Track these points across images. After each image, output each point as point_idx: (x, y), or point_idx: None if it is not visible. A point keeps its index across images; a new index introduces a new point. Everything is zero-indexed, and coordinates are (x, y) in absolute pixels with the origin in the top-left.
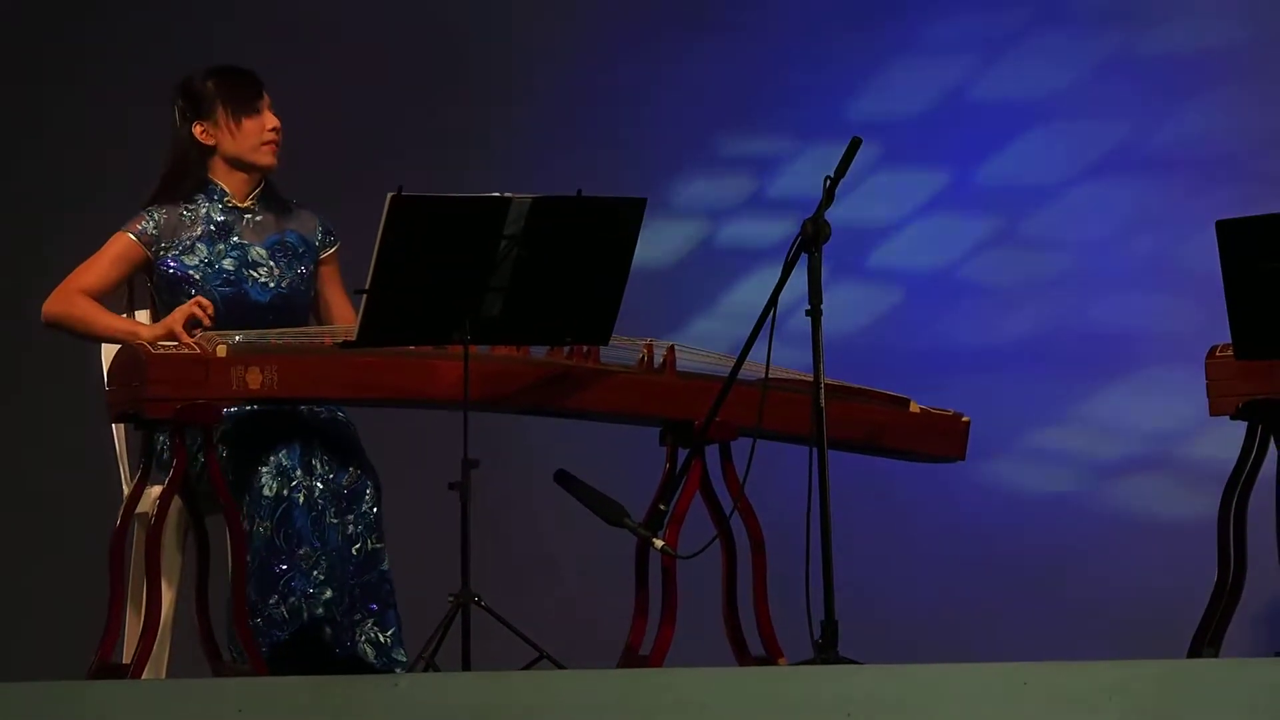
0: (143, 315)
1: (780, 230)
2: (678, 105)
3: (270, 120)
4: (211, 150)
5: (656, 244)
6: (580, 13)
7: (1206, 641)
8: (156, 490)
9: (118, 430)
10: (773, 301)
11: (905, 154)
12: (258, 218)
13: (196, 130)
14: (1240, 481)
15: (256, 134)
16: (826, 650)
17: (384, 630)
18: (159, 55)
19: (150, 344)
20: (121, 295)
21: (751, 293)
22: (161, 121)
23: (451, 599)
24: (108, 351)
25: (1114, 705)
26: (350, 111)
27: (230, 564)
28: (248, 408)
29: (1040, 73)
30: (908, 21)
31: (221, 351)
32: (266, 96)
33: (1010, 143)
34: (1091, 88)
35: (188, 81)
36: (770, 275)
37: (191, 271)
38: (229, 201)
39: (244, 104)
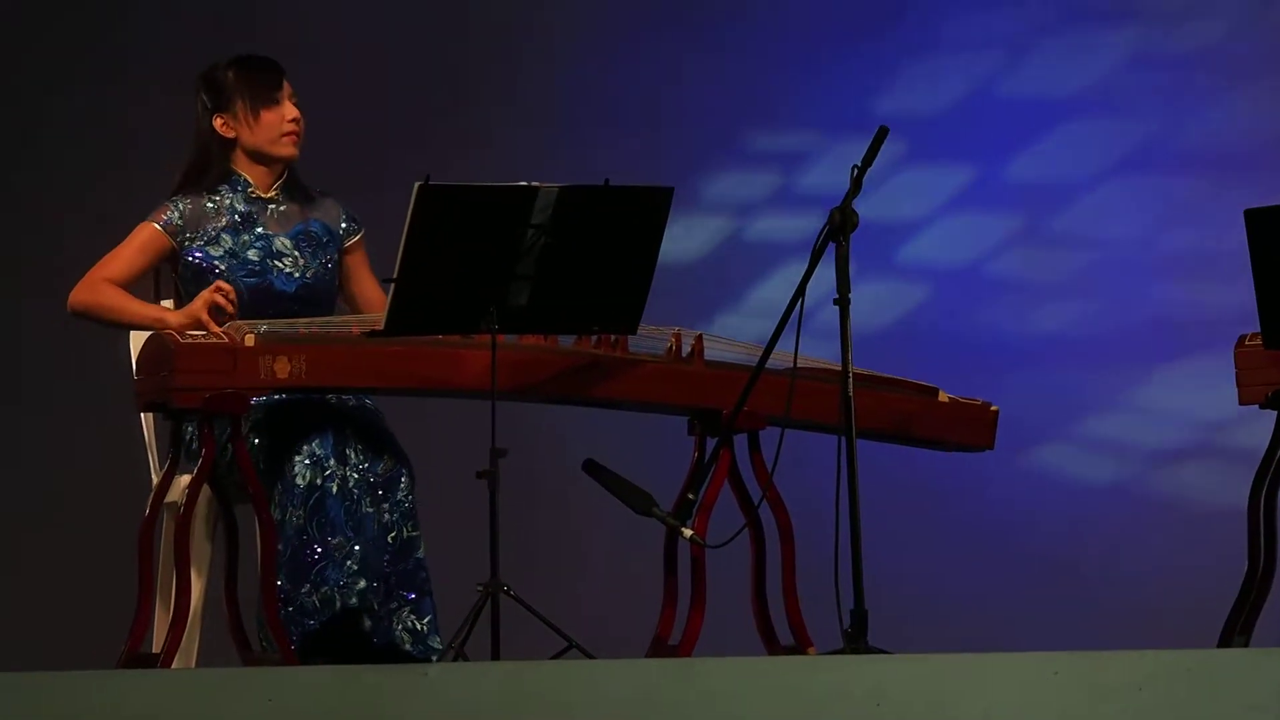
0: (167, 305)
1: (807, 226)
2: (705, 101)
3: (290, 111)
4: (233, 142)
5: (684, 239)
6: (608, 6)
7: (1237, 631)
8: (185, 480)
9: (146, 420)
10: (800, 290)
11: (931, 150)
12: (281, 207)
13: (217, 123)
14: (1270, 471)
15: (275, 126)
16: (856, 640)
17: (420, 618)
18: (178, 44)
19: (179, 333)
20: (148, 284)
21: (778, 288)
22: (183, 112)
23: (480, 588)
24: (136, 341)
25: (1144, 695)
26: (376, 102)
27: (259, 553)
28: (280, 396)
29: (1067, 69)
30: (935, 17)
31: (250, 341)
32: (287, 86)
33: (1037, 139)
34: (1118, 84)
35: (209, 72)
36: (797, 271)
37: (216, 262)
38: (252, 192)
39: (262, 96)
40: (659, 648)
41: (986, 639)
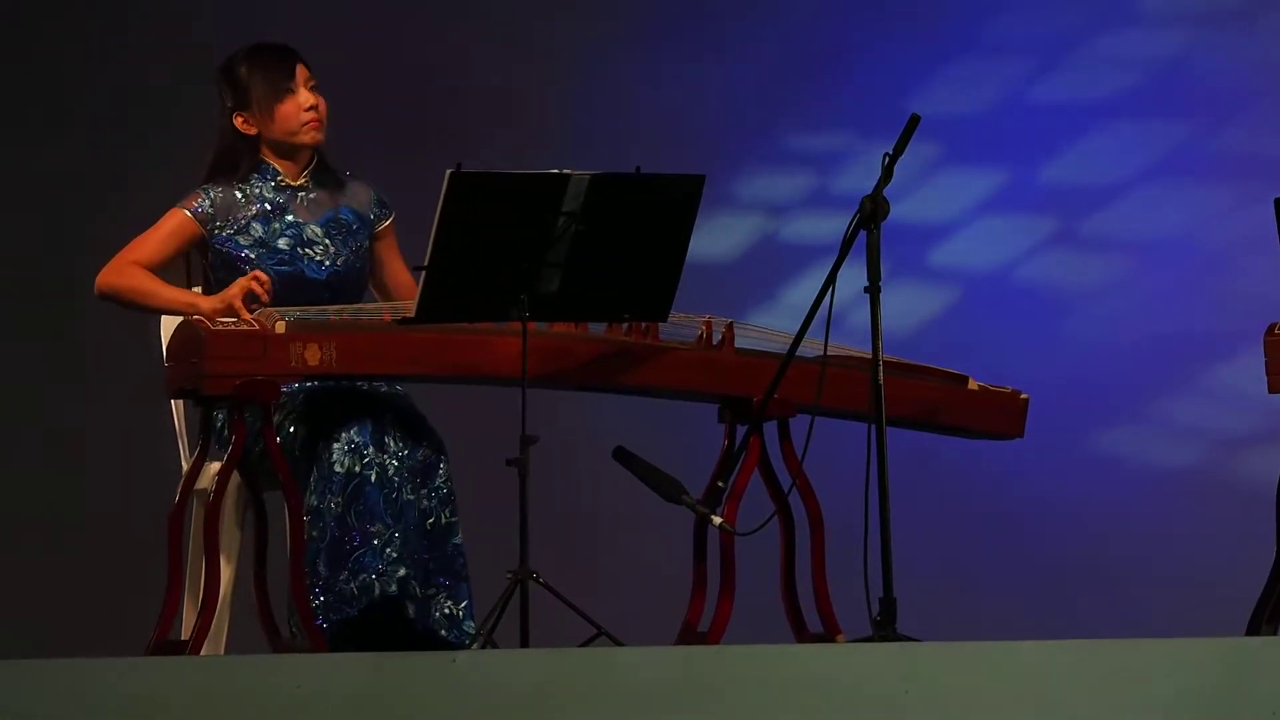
0: (196, 291)
1: (843, 227)
2: (740, 100)
3: (306, 99)
4: (257, 138)
5: (719, 239)
6: (644, 4)
7: (1266, 619)
8: (215, 467)
9: (176, 407)
10: (831, 278)
11: (967, 152)
12: (311, 195)
13: (238, 121)
14: None
15: (293, 117)
16: (885, 627)
17: (457, 604)
18: (201, 29)
19: (209, 320)
20: (180, 270)
21: (812, 289)
22: (209, 100)
23: (510, 576)
24: (166, 327)
25: (1171, 682)
26: (411, 89)
27: (289, 541)
28: (313, 384)
29: (1102, 73)
30: (972, 20)
31: (280, 328)
32: (302, 71)
33: (1073, 143)
34: (1154, 89)
35: (226, 68)
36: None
37: (247, 251)
38: (282, 181)
39: (275, 90)
40: (688, 635)
41: (1016, 627)
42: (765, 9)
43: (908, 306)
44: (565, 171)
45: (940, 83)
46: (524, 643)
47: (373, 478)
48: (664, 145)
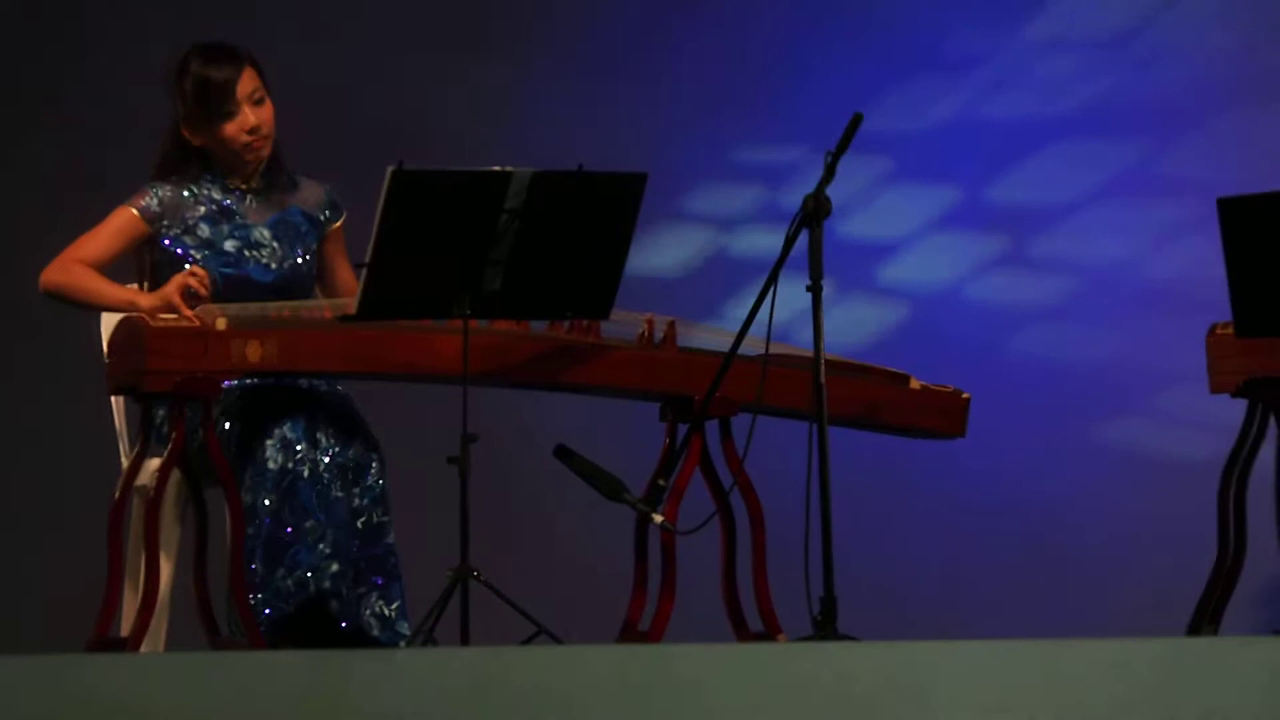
0: (131, 288)
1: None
2: (691, 112)
3: (248, 120)
4: (203, 146)
5: (667, 252)
6: (601, 12)
7: (1206, 619)
8: (155, 463)
9: (117, 403)
10: (773, 277)
11: (916, 169)
12: (261, 196)
13: (184, 131)
14: (1240, 460)
15: (235, 138)
16: (825, 627)
17: (389, 604)
18: (163, 29)
19: (150, 316)
20: (129, 267)
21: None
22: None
23: (450, 574)
24: (107, 324)
25: (1113, 682)
26: (357, 85)
27: (229, 538)
28: (252, 381)
29: (1051, 92)
30: (927, 35)
31: (221, 324)
32: (246, 83)
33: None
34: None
35: (177, 77)
36: (780, 288)
37: (193, 252)
38: (231, 183)
39: (216, 111)
40: (629, 633)
41: (957, 627)
42: (718, 22)
43: (858, 319)
44: (507, 169)
45: (897, 98)
46: (464, 640)
47: (305, 474)
48: (612, 159)
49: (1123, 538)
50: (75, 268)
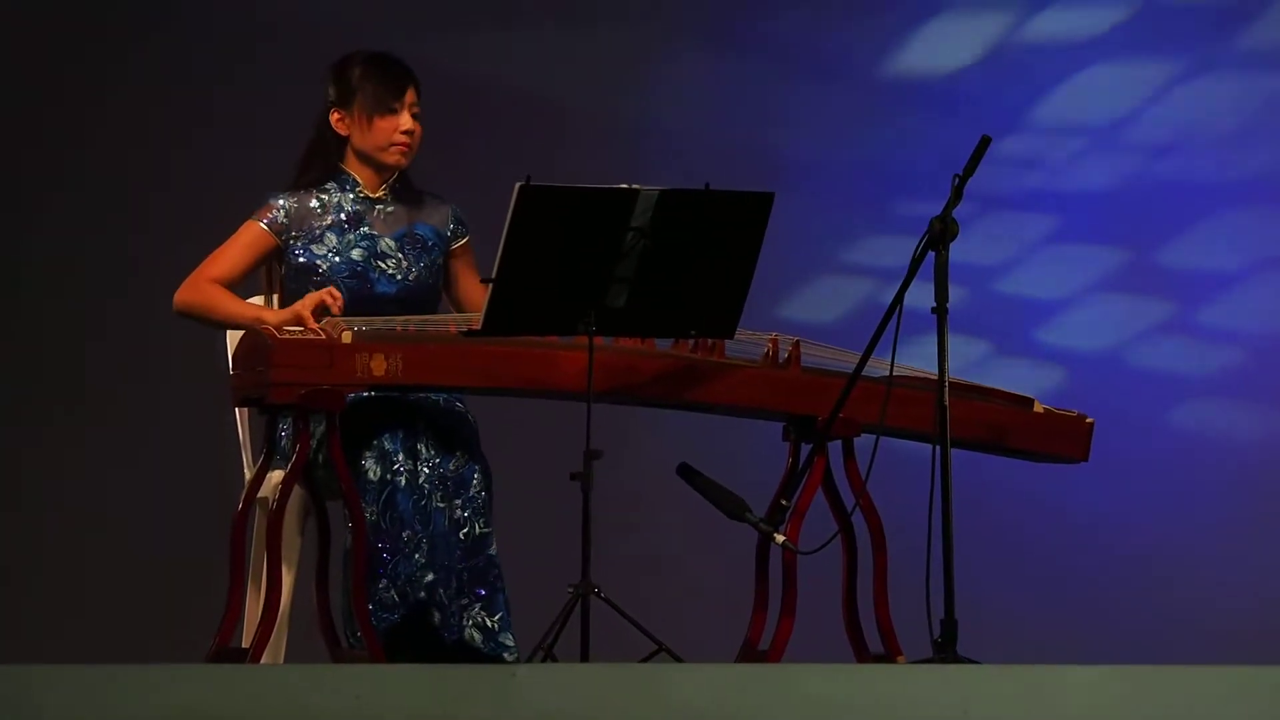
0: (257, 301)
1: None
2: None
3: (405, 122)
4: (345, 139)
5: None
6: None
7: None
8: (278, 475)
9: (241, 415)
10: (899, 299)
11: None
12: (389, 209)
13: (334, 118)
14: None
15: (386, 134)
16: (945, 649)
17: (491, 615)
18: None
19: (276, 328)
20: (259, 281)
21: (875, 313)
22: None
23: (571, 590)
24: (233, 336)
25: (1234, 710)
26: (486, 108)
27: (350, 550)
28: (367, 394)
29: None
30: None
31: (347, 338)
32: (410, 95)
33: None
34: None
35: (340, 63)
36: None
37: (319, 261)
38: (361, 191)
39: (380, 102)
40: (749, 653)
41: (1075, 651)
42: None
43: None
44: (634, 186)
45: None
46: (584, 657)
47: (403, 484)
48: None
49: (1250, 559)
50: (207, 287)
